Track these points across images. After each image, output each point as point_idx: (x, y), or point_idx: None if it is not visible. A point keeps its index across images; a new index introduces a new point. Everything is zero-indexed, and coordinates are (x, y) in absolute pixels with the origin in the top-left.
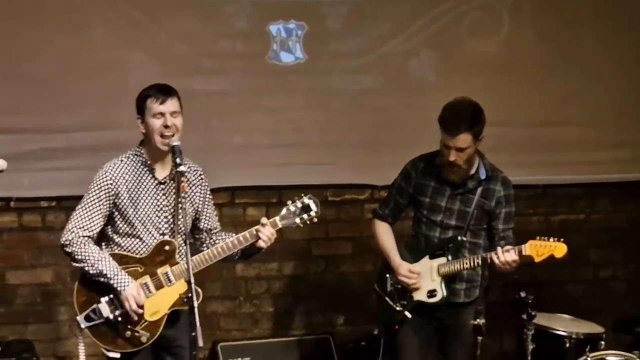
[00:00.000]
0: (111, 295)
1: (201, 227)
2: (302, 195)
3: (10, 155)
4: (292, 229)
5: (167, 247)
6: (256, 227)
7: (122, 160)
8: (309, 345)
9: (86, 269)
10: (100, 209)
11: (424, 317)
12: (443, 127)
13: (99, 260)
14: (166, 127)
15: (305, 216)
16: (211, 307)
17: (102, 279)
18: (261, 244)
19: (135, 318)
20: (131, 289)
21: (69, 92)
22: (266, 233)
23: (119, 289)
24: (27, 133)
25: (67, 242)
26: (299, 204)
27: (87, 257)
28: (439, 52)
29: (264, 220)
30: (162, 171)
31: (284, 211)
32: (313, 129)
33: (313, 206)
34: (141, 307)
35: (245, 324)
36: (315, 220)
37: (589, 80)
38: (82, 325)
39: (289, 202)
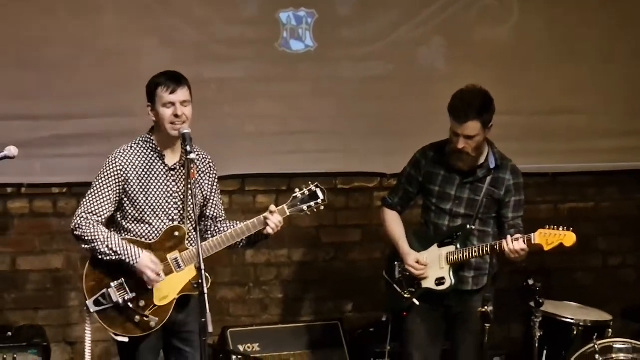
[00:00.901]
0: (121, 280)
1: (207, 214)
2: (310, 183)
3: (22, 142)
4: (302, 217)
5: (176, 233)
6: (264, 214)
7: (131, 147)
8: (317, 331)
9: (96, 248)
10: (109, 195)
11: (432, 305)
12: (452, 114)
13: (108, 238)
14: (176, 116)
15: (312, 204)
16: (221, 293)
17: (113, 257)
18: (269, 230)
19: (158, 286)
20: (144, 259)
21: (80, 78)
22: (274, 220)
23: (131, 262)
24: (38, 119)
25: (76, 226)
26: (306, 192)
27: (96, 237)
28: (448, 40)
29: (272, 207)
30: (172, 157)
31: (291, 199)
32: (323, 116)
33: (320, 194)
34: (159, 274)
35: (254, 310)
36: (322, 208)
37: (599, 68)
38: (92, 310)
39: (297, 190)
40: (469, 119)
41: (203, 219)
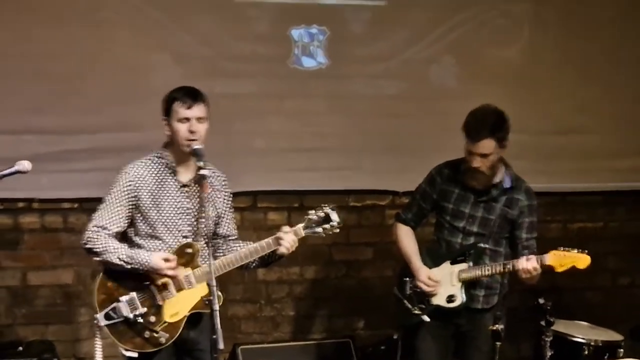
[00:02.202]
0: (132, 294)
1: (219, 232)
2: (323, 206)
3: (33, 156)
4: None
5: (189, 250)
6: (278, 234)
7: (144, 162)
8: (329, 348)
9: (107, 258)
10: (120, 210)
11: (442, 322)
12: (467, 132)
13: (118, 248)
14: (191, 132)
15: (327, 226)
16: (232, 310)
17: (125, 266)
18: (283, 250)
19: (181, 280)
20: (155, 260)
21: (91, 93)
22: (288, 240)
23: (143, 266)
24: (49, 134)
25: (87, 239)
26: (320, 214)
27: (106, 248)
28: (459, 59)
29: (285, 228)
30: (186, 174)
31: (306, 220)
32: (335, 134)
33: (334, 216)
34: (175, 267)
35: (265, 328)
36: (337, 230)
37: (609, 89)
38: (102, 323)
39: (311, 212)
40: (482, 137)
41: (214, 237)
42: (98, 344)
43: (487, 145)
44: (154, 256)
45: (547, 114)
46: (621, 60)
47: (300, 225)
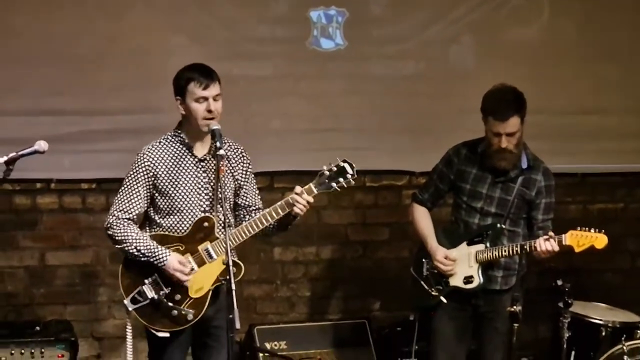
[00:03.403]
0: (154, 276)
1: (239, 202)
2: (337, 159)
3: (52, 137)
4: (330, 215)
5: (205, 224)
6: (291, 196)
7: (160, 142)
8: (344, 329)
9: (126, 248)
10: (139, 192)
11: (460, 303)
12: (492, 114)
13: (137, 239)
14: (209, 111)
15: (341, 179)
16: (248, 291)
17: (142, 258)
18: (297, 210)
19: (187, 285)
20: (171, 262)
21: (110, 74)
22: (301, 202)
23: (159, 265)
24: (68, 115)
25: (108, 225)
26: (334, 168)
27: (126, 238)
28: (478, 39)
29: (297, 189)
30: (202, 149)
31: (318, 177)
32: (352, 114)
33: (349, 169)
34: (188, 274)
35: (281, 308)
36: (352, 183)
37: (630, 68)
38: (130, 308)
39: (324, 167)
40: (509, 115)
41: (236, 207)
42: (129, 329)
43: (514, 123)
44: (172, 257)
45: (567, 94)
46: None
47: (312, 183)
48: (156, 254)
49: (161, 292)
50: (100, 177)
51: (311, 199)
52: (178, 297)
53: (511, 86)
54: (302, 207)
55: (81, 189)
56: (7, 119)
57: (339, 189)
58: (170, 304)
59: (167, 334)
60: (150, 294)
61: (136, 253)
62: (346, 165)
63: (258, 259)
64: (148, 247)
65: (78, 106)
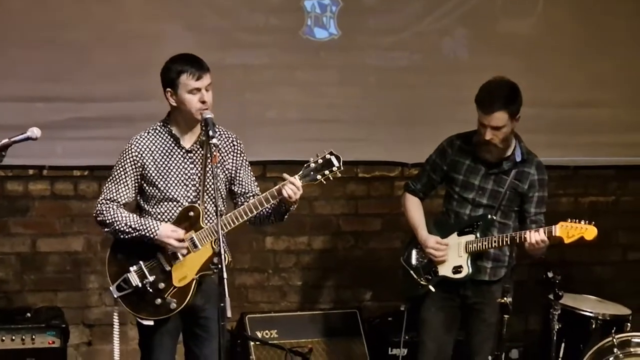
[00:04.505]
0: (139, 264)
1: (236, 191)
2: (324, 150)
3: (45, 124)
4: (323, 205)
5: (191, 213)
6: (279, 185)
7: (148, 132)
8: (336, 319)
9: (117, 228)
10: (126, 181)
11: (448, 294)
12: (479, 104)
13: (126, 217)
14: (203, 102)
15: (326, 172)
16: (240, 279)
17: (134, 234)
18: (288, 193)
19: (184, 252)
20: (163, 230)
21: (104, 61)
22: (288, 191)
23: (152, 235)
24: (61, 102)
25: (98, 212)
26: (320, 160)
27: (115, 219)
28: (472, 31)
29: (285, 175)
30: (190, 140)
31: (304, 168)
32: (346, 105)
33: (335, 161)
34: (183, 240)
35: (273, 297)
36: (338, 175)
37: (624, 61)
38: (115, 295)
39: (311, 159)
40: (495, 109)
41: (233, 196)
42: (115, 316)
43: (500, 117)
44: (163, 225)
45: (560, 87)
46: (636, 32)
47: (297, 175)
48: (147, 225)
49: (145, 281)
50: (93, 164)
51: (299, 184)
52: (162, 285)
53: (509, 81)
54: (291, 193)
55: (73, 175)
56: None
57: (324, 181)
58: (154, 292)
59: (151, 323)
60: (135, 281)
61: (128, 230)
62: (332, 158)
63: (250, 248)
64: (138, 221)
65: (71, 93)
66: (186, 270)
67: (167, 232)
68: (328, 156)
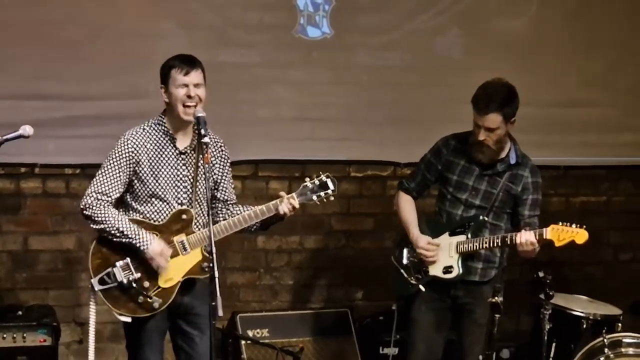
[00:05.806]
0: (126, 260)
1: (218, 197)
2: (321, 173)
3: (36, 121)
4: (314, 203)
5: (184, 216)
6: (276, 200)
7: (143, 129)
8: (327, 318)
9: (107, 229)
10: (119, 176)
11: (439, 294)
12: (474, 104)
13: (119, 221)
14: (189, 97)
15: (322, 194)
16: (231, 278)
17: (124, 240)
18: (284, 210)
19: (160, 272)
20: (155, 247)
21: (96, 59)
22: (284, 208)
23: (142, 247)
24: (53, 100)
25: (87, 206)
26: (316, 182)
27: (106, 218)
28: (466, 30)
29: (282, 194)
30: (184, 141)
31: (301, 188)
32: (338, 104)
33: (330, 185)
34: (167, 260)
35: (264, 296)
36: (332, 199)
37: (616, 62)
38: (96, 288)
39: (307, 179)
40: (489, 111)
41: (215, 202)
42: (92, 310)
43: (494, 119)
44: (156, 241)
45: (553, 86)
46: (628, 33)
47: (295, 193)
48: (140, 237)
49: (131, 277)
50: (85, 163)
51: (297, 204)
52: (147, 284)
53: (506, 84)
54: (287, 210)
55: (65, 174)
56: None
57: (318, 203)
58: (138, 289)
59: (129, 319)
60: (120, 276)
61: (118, 234)
62: (329, 181)
63: (241, 247)
64: (130, 228)
65: (63, 91)
66: (173, 272)
67: (159, 249)
68: (324, 178)
